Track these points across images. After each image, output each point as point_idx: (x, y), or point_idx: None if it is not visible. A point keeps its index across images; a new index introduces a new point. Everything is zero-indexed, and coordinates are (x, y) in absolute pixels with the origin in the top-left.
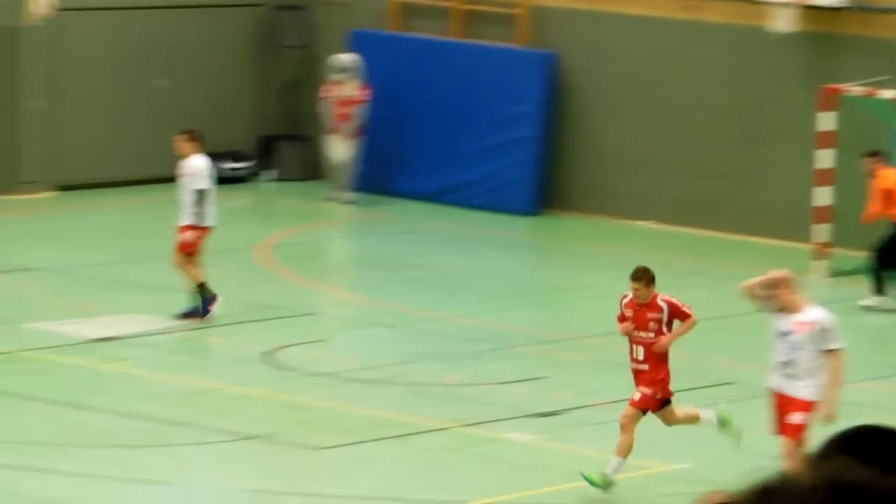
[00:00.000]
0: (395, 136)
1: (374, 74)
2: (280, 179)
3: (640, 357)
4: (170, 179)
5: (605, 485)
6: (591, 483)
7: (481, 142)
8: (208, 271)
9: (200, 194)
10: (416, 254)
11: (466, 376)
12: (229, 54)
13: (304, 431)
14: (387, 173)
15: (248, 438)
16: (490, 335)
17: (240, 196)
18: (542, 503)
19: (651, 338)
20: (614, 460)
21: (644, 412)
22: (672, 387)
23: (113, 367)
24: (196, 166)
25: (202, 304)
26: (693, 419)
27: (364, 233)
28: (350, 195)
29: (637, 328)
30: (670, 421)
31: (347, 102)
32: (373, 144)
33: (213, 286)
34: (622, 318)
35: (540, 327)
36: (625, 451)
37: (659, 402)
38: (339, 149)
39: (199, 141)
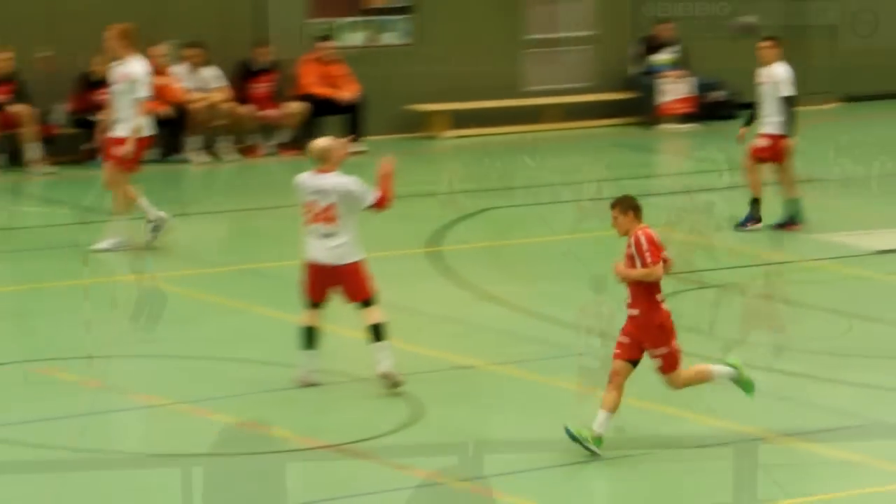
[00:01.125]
0: None
1: None
2: None
3: (629, 299)
4: None
5: (596, 442)
6: (579, 440)
7: None
8: None
9: (788, 101)
10: None
11: None
12: None
13: None
14: None
15: None
16: None
17: None
18: None
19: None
20: (601, 414)
21: (633, 363)
22: None
23: (894, 278)
24: (779, 73)
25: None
26: (704, 377)
27: None
28: None
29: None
30: (678, 382)
31: None
32: None
33: None
34: None
35: None
36: (611, 405)
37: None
38: None
39: (783, 48)
